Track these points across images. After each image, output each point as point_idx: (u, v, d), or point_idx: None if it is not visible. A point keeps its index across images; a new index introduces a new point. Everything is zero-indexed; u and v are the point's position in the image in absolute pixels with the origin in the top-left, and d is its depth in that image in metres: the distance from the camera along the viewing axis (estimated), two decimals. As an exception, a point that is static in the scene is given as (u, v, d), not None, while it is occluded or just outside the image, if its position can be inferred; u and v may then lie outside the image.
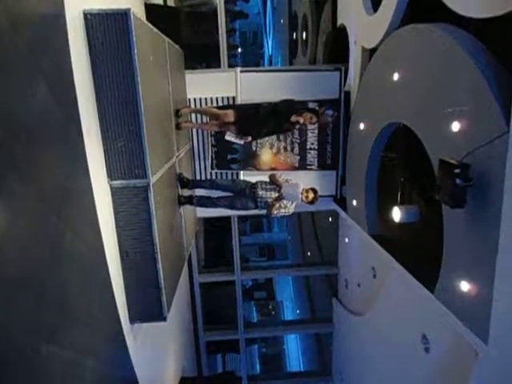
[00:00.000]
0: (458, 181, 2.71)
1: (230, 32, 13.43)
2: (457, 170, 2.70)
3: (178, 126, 4.63)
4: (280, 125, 4.66)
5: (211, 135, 5.89)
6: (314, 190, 4.22)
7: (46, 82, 2.20)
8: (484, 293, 2.79)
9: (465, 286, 3.00)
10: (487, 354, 2.89)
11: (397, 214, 4.15)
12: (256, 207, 4.39)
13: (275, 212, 4.28)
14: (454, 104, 3.02)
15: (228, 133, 4.83)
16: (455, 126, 2.98)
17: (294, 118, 4.48)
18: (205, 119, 5.53)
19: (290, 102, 4.72)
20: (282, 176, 4.38)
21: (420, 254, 3.99)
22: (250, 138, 4.75)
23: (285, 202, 4.23)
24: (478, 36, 2.98)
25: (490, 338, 2.78)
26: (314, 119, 4.53)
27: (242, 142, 4.85)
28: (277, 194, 4.24)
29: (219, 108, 5.03)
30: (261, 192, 4.31)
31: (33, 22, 2.14)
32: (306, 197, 4.19)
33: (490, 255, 2.67)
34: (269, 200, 4.28)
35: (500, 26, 2.75)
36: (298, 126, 4.95)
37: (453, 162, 2.76)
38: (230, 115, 4.69)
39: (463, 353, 3.35)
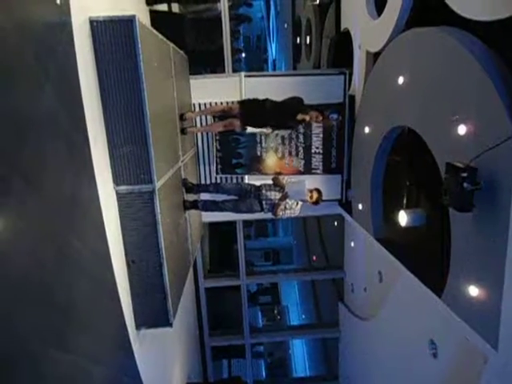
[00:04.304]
0: (465, 184, 2.68)
1: (234, 37, 13.50)
2: (464, 174, 2.68)
3: (182, 131, 4.65)
4: (285, 120, 4.67)
5: (216, 140, 5.91)
6: (318, 190, 4.30)
7: (52, 88, 2.22)
8: (493, 297, 2.76)
9: (473, 290, 2.97)
10: (497, 359, 2.85)
11: (403, 217, 4.12)
12: (261, 209, 4.41)
13: (280, 213, 4.32)
14: (460, 107, 3.01)
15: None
16: (461, 130, 2.97)
17: (300, 116, 4.50)
18: (209, 121, 5.55)
19: (297, 100, 4.72)
20: (285, 178, 4.43)
21: (427, 258, 3.95)
22: (270, 130, 4.81)
23: (290, 202, 4.27)
24: (484, 39, 2.96)
25: (500, 343, 2.74)
26: (320, 118, 4.56)
27: (266, 131, 4.94)
28: (281, 195, 4.28)
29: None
30: (266, 193, 4.35)
31: (40, 30, 2.16)
32: (311, 197, 4.26)
33: (499, 259, 2.64)
34: (274, 200, 4.30)
35: (506, 28, 2.73)
36: (303, 124, 4.98)
37: (460, 165, 2.74)
38: (235, 108, 4.74)
39: (472, 359, 3.31)
